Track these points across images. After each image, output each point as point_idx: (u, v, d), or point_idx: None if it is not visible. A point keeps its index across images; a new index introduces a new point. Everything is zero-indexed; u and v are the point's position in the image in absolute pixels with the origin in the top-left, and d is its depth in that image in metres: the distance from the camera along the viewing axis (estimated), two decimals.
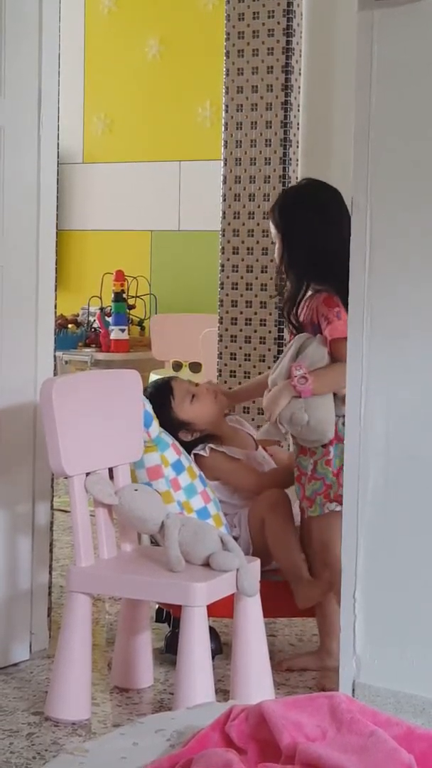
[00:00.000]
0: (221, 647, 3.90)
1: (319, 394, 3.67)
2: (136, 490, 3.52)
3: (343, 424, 3.57)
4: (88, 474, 3.49)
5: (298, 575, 3.77)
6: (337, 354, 3.64)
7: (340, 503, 3.55)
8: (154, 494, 3.56)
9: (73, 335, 7.27)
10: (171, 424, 3.85)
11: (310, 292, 3.80)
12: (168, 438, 3.75)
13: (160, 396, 3.91)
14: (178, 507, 3.72)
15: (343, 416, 3.56)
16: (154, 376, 6.35)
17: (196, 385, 4.04)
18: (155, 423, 3.72)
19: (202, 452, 3.91)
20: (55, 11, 3.90)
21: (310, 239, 3.76)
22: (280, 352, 5.44)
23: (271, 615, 3.87)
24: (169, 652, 3.92)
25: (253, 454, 4.04)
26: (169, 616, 4.00)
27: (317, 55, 5.45)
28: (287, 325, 3.93)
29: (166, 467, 3.72)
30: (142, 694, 3.68)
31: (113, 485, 3.55)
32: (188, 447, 3.89)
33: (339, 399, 3.65)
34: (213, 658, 3.48)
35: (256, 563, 3.54)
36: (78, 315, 7.49)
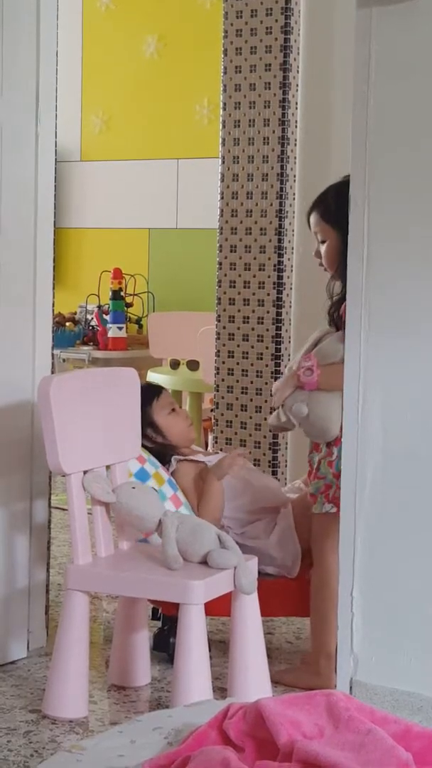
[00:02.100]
0: (210, 645, 3.89)
1: (325, 390, 3.62)
2: (133, 487, 3.52)
3: None
4: (85, 472, 3.49)
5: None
6: None
7: (337, 505, 3.56)
8: (151, 492, 3.56)
9: (71, 333, 7.26)
10: (144, 419, 3.86)
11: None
12: None
13: (147, 393, 3.96)
14: None
15: None
16: (151, 374, 6.35)
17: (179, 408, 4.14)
18: None
19: (172, 465, 3.96)
20: (53, 9, 3.90)
21: None
22: (277, 350, 5.44)
23: (269, 613, 3.86)
24: (156, 649, 3.92)
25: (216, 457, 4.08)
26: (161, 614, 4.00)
27: (315, 53, 5.45)
28: (331, 325, 3.77)
29: (129, 477, 3.72)
30: (139, 691, 3.68)
31: (110, 483, 3.56)
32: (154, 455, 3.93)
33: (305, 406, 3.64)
34: None
35: (254, 561, 3.54)
36: (76, 313, 7.49)
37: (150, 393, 4.00)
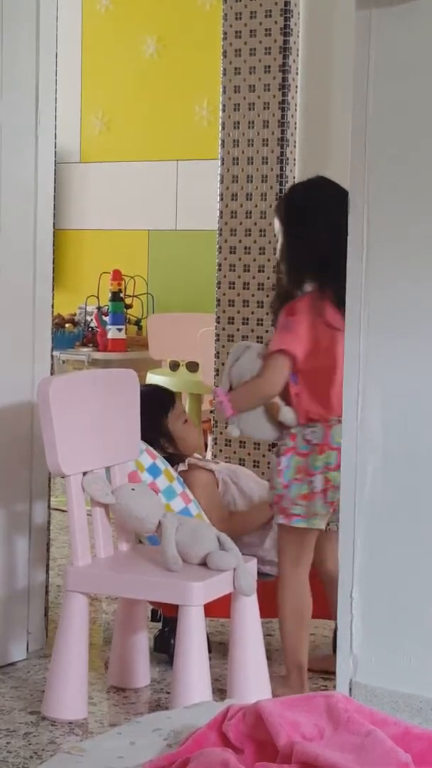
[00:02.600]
0: (210, 646, 3.89)
1: (243, 411, 3.64)
2: (133, 489, 3.52)
3: (305, 437, 3.57)
4: (85, 473, 3.49)
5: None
6: (262, 367, 3.59)
7: (286, 516, 3.58)
8: (151, 493, 3.56)
9: (71, 334, 7.26)
10: (159, 430, 3.88)
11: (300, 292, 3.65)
12: (141, 444, 3.76)
13: (164, 400, 3.96)
14: None
15: (301, 428, 3.55)
16: (151, 376, 6.35)
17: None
18: None
19: (182, 467, 3.97)
20: (53, 9, 3.90)
21: (312, 233, 3.60)
22: None
23: (269, 615, 3.86)
24: (158, 650, 3.92)
25: (227, 468, 4.09)
26: (161, 615, 4.00)
27: (315, 55, 5.45)
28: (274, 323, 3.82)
29: (142, 472, 3.73)
30: (139, 693, 3.67)
31: (110, 484, 3.55)
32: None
33: (291, 412, 3.60)
34: None
35: (253, 563, 3.54)
36: (75, 314, 7.49)
37: (164, 401, 4.00)
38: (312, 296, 3.59)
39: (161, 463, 3.80)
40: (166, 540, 3.41)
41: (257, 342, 5.50)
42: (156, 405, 3.87)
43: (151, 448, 3.80)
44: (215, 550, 3.43)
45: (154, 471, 3.75)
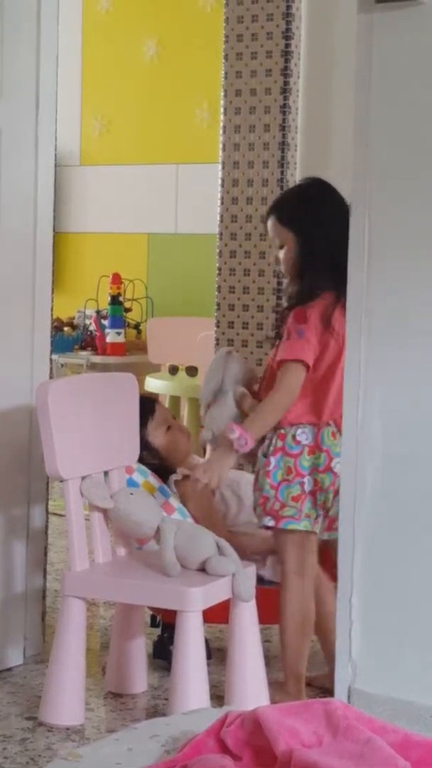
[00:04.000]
0: (210, 652, 3.88)
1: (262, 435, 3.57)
2: (131, 494, 3.51)
3: (294, 437, 3.54)
4: (83, 478, 3.48)
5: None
6: (278, 379, 3.50)
7: (276, 519, 3.54)
8: (149, 498, 3.55)
9: (69, 338, 7.25)
10: (140, 442, 3.84)
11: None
12: None
13: (142, 411, 3.84)
14: None
15: (290, 428, 3.52)
16: (150, 380, 6.34)
17: (174, 418, 4.11)
18: None
19: (174, 477, 3.94)
20: (53, 12, 3.89)
21: (331, 236, 3.47)
22: None
23: (267, 621, 3.85)
24: (157, 657, 3.91)
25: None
26: (161, 621, 3.99)
27: (316, 59, 5.44)
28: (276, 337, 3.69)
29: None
30: (136, 699, 3.66)
31: (108, 489, 3.54)
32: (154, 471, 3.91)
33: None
34: None
35: (252, 569, 3.53)
36: (74, 318, 7.48)
37: (145, 409, 3.86)
38: (324, 303, 3.50)
39: (139, 476, 3.78)
40: (165, 545, 3.39)
41: (257, 347, 5.50)
42: None
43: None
44: (214, 555, 3.41)
45: (130, 485, 3.72)
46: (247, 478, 4.07)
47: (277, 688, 3.62)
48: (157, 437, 3.94)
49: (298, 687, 3.62)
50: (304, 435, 3.53)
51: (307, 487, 3.52)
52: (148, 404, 3.97)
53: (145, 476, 3.80)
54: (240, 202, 5.55)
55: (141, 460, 3.82)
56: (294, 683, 3.62)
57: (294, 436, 3.53)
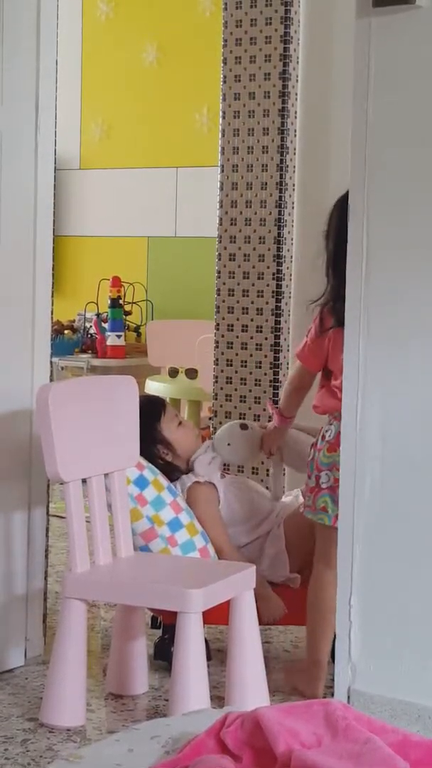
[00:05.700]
0: (210, 654, 3.89)
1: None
2: (228, 444, 3.98)
3: (323, 433, 3.63)
4: (84, 480, 3.49)
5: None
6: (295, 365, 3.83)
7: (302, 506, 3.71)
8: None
9: (70, 341, 7.26)
10: (153, 437, 3.87)
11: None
12: None
13: (153, 408, 3.95)
14: (148, 521, 3.72)
15: (326, 423, 3.62)
16: (150, 383, 6.35)
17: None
18: None
19: (187, 483, 3.95)
20: (53, 17, 3.90)
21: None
22: (276, 358, 5.44)
23: (265, 622, 3.86)
24: (158, 658, 3.92)
25: (232, 481, 4.08)
26: (161, 622, 4.00)
27: (315, 62, 5.45)
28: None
29: (128, 485, 3.71)
30: (137, 700, 3.67)
31: (108, 492, 3.55)
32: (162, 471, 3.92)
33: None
34: None
35: (252, 569, 3.54)
36: (74, 321, 7.49)
37: (155, 408, 3.98)
38: None
39: (150, 474, 3.79)
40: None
41: (256, 349, 5.51)
42: (147, 414, 3.85)
43: (141, 459, 3.79)
44: None
45: (140, 483, 3.74)
46: (250, 483, 4.13)
47: (296, 671, 3.73)
48: (171, 431, 3.97)
49: (314, 673, 3.67)
50: (329, 432, 3.61)
51: (325, 483, 3.60)
52: (158, 401, 4.12)
53: (155, 474, 3.81)
54: (239, 205, 5.56)
55: (152, 456, 3.85)
56: (312, 669, 3.66)
57: (324, 432, 3.64)
